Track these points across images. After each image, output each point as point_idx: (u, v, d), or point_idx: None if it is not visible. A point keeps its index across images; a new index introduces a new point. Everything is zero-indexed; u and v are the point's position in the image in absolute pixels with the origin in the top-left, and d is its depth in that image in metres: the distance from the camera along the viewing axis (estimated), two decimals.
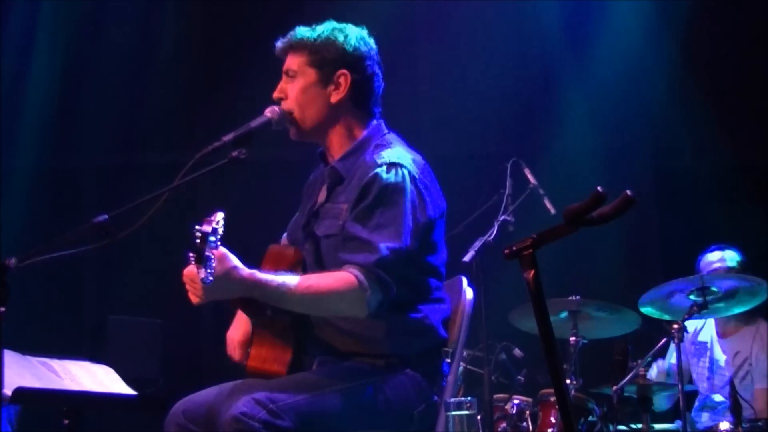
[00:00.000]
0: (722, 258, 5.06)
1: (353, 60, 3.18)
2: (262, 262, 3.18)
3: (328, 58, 3.17)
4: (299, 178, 3.51)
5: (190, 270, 2.85)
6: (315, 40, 3.19)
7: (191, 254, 2.77)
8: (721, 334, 5.17)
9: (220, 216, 2.82)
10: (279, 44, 3.25)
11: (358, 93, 3.20)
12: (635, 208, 2.09)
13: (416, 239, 3.05)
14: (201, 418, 3.06)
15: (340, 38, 3.19)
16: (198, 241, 2.76)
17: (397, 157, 3.09)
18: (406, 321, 3.09)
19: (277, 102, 3.21)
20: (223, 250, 2.85)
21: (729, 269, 5.00)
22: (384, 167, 3.06)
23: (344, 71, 3.17)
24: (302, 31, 3.22)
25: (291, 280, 2.96)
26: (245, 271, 2.90)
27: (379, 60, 3.25)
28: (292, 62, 3.20)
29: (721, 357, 5.12)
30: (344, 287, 2.95)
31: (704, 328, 5.22)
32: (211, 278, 2.80)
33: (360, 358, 3.10)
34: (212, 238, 2.78)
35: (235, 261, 2.88)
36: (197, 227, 2.78)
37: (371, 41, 3.25)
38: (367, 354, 3.10)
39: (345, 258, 3.01)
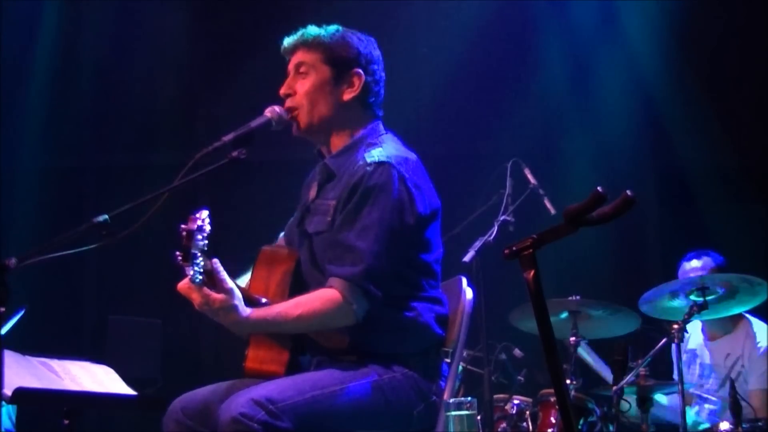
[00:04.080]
0: (696, 267, 5.04)
1: (366, 62, 3.23)
2: (255, 264, 3.19)
3: (343, 57, 3.20)
4: (299, 178, 3.52)
5: (183, 283, 2.89)
6: (330, 38, 3.21)
7: (178, 253, 2.78)
8: (710, 338, 5.16)
9: (204, 213, 2.83)
10: (289, 40, 3.26)
11: (367, 94, 3.23)
12: (635, 208, 2.09)
13: (403, 240, 3.07)
14: (198, 414, 3.08)
15: (354, 40, 3.24)
16: (184, 239, 2.77)
17: (386, 157, 3.10)
18: (399, 319, 3.10)
19: (283, 100, 3.22)
20: (229, 287, 2.90)
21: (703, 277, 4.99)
22: (371, 167, 3.08)
23: (358, 71, 3.20)
24: (315, 30, 3.24)
25: (282, 312, 3.01)
26: (245, 312, 2.95)
27: (383, 67, 3.29)
28: (304, 58, 3.21)
29: (712, 360, 5.11)
30: (332, 308, 3.00)
31: (691, 337, 5.20)
32: (199, 277, 2.81)
33: (357, 357, 3.11)
34: (199, 236, 2.78)
35: (236, 300, 2.92)
36: (182, 226, 2.78)
37: (377, 48, 3.29)
38: (364, 353, 3.10)
39: (330, 270, 3.05)
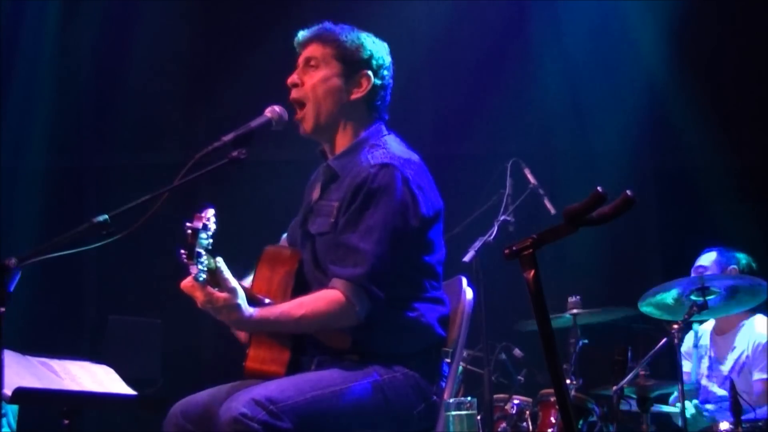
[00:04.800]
0: (703, 262, 5.08)
1: (377, 66, 3.24)
2: (258, 263, 3.19)
3: (355, 57, 3.21)
4: (299, 178, 3.51)
5: (187, 281, 2.89)
6: (345, 37, 3.23)
7: (182, 251, 2.78)
8: (717, 331, 5.19)
9: (210, 212, 2.83)
10: (304, 33, 3.27)
11: (374, 98, 3.24)
12: (635, 208, 2.10)
13: (406, 241, 3.07)
14: (199, 418, 3.07)
15: (368, 43, 3.25)
16: (189, 237, 2.77)
17: (389, 158, 3.11)
18: (401, 319, 3.10)
19: (285, 97, 3.22)
20: (232, 286, 2.90)
21: (705, 269, 5.03)
22: (375, 169, 3.08)
23: (368, 73, 3.21)
24: (331, 26, 3.26)
25: (285, 312, 3.01)
26: (248, 311, 2.94)
27: (392, 74, 3.30)
28: (316, 51, 3.22)
29: (719, 353, 5.14)
30: (335, 308, 3.01)
31: (705, 334, 5.24)
32: (203, 275, 2.81)
33: (358, 357, 3.11)
34: (203, 235, 2.78)
35: (239, 299, 2.92)
36: (188, 224, 2.78)
37: (389, 56, 3.30)
38: (365, 353, 3.10)
39: (333, 270, 3.05)
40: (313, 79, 3.20)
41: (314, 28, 3.26)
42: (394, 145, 3.20)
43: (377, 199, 3.05)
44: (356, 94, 3.21)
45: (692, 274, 5.08)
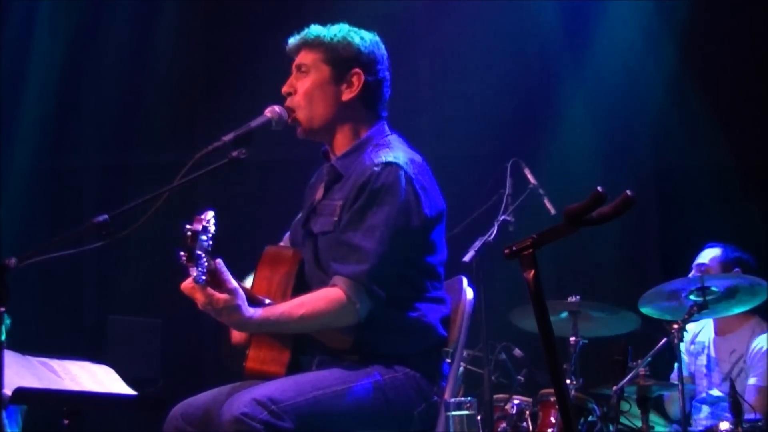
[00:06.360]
0: (703, 258, 5.08)
1: (367, 61, 3.22)
2: (258, 263, 3.19)
3: (343, 57, 3.20)
4: (299, 178, 3.52)
5: (187, 283, 2.89)
6: (331, 38, 3.22)
7: (182, 253, 2.78)
8: (719, 332, 5.19)
9: (210, 214, 2.83)
10: (292, 40, 3.27)
11: (369, 94, 3.23)
12: (635, 208, 2.10)
13: (408, 241, 3.07)
14: (199, 420, 3.07)
15: (356, 39, 3.23)
16: (189, 239, 2.77)
17: (393, 157, 3.11)
18: (403, 320, 3.10)
19: (284, 98, 3.22)
20: (232, 287, 2.89)
21: (707, 267, 5.02)
22: (379, 167, 3.08)
23: (358, 70, 3.20)
24: (317, 29, 3.25)
25: (286, 312, 3.00)
26: (249, 312, 2.93)
27: (389, 66, 3.28)
28: (305, 58, 3.22)
29: (718, 354, 5.13)
30: (335, 307, 3.00)
31: (703, 330, 5.24)
32: (203, 277, 2.81)
33: (359, 357, 3.11)
34: (203, 237, 2.78)
35: (240, 300, 2.91)
36: (187, 226, 2.78)
37: (383, 47, 3.28)
38: (366, 353, 3.11)
39: (335, 268, 3.05)
40: (304, 86, 3.21)
41: (301, 34, 3.26)
42: (397, 145, 3.20)
43: (381, 198, 3.05)
44: (349, 94, 3.21)
45: (692, 271, 5.08)
